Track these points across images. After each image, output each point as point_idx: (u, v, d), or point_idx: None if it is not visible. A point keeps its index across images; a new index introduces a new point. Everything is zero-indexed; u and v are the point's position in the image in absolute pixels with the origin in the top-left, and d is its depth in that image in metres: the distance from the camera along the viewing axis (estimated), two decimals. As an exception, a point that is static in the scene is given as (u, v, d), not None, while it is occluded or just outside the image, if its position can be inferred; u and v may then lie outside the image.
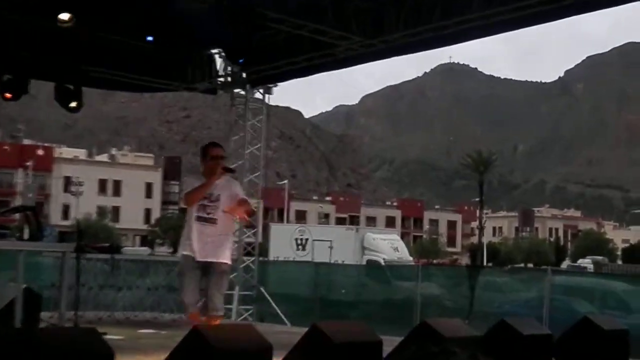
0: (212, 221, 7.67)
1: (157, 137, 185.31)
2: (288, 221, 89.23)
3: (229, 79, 16.51)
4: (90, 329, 4.21)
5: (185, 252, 7.72)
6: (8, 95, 13.94)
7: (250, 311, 16.81)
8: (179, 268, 7.79)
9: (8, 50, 13.37)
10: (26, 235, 10.84)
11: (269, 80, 16.37)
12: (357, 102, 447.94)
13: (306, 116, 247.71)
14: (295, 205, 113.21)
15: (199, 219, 7.68)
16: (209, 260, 7.64)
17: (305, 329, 5.67)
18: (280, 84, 17.12)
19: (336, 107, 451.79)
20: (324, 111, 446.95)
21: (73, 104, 14.42)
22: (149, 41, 13.71)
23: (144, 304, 15.30)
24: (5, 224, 14.43)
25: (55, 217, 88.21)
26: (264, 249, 25.87)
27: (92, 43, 13.95)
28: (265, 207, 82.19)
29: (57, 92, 14.43)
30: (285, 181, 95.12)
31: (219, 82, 16.67)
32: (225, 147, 8.71)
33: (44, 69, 14.30)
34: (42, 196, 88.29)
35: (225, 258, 7.79)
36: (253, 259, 17.10)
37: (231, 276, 16.52)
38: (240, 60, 13.03)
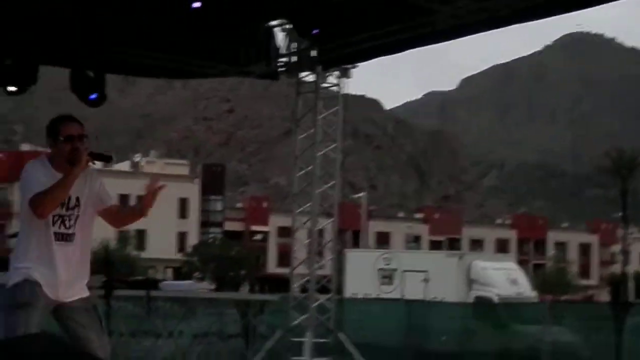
0: (71, 238, 6.92)
1: (192, 138, 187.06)
2: (367, 246, 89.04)
3: (294, 59, 16.19)
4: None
5: (33, 279, 6.74)
6: (12, 88, 13.85)
7: (326, 364, 16.86)
8: (20, 298, 6.68)
9: (12, 28, 13.25)
10: None
11: (346, 59, 16.20)
12: (454, 87, 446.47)
13: (387, 107, 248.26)
14: (376, 226, 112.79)
15: (58, 236, 6.87)
16: (74, 299, 6.91)
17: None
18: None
19: (427, 94, 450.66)
20: (410, 100, 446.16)
21: (94, 96, 14.35)
22: (195, 8, 13.25)
23: (189, 356, 15.44)
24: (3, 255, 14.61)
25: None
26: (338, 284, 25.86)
27: (117, 14, 13.75)
28: (338, 229, 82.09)
29: (73, 80, 14.41)
30: (362, 194, 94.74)
31: (280, 64, 16.39)
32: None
33: (55, 51, 14.25)
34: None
35: (87, 290, 7.09)
36: (329, 296, 17.15)
37: (302, 317, 16.61)
38: (315, 31, 12.81)
